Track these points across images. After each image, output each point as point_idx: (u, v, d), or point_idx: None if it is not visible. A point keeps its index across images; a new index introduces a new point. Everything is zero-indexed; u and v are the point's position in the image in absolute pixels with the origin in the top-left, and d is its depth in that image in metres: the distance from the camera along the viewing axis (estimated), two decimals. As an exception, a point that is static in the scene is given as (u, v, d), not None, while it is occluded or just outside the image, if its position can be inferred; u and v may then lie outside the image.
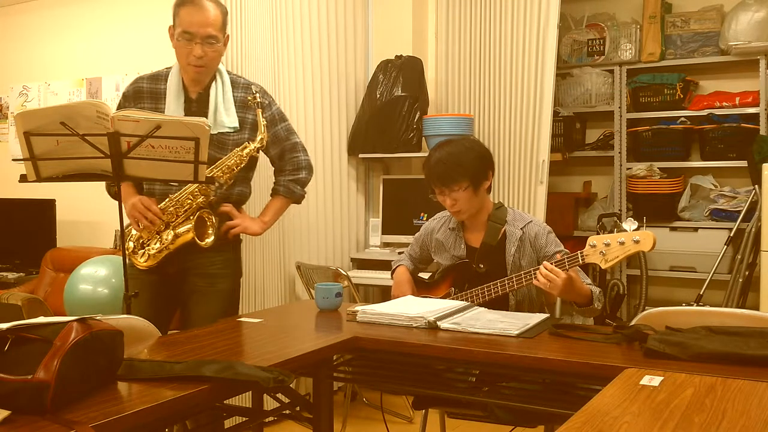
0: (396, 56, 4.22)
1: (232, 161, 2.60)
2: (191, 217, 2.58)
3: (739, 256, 4.13)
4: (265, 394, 2.25)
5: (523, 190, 4.07)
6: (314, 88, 4.03)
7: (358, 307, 2.30)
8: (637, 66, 4.58)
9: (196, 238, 2.56)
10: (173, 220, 2.59)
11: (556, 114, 4.50)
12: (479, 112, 4.23)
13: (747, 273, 4.04)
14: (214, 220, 2.61)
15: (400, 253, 2.98)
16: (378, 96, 4.16)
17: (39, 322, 1.46)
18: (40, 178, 2.26)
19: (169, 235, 2.58)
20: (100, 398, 1.46)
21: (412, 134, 4.13)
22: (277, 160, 2.83)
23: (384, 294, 4.05)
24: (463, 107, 4.31)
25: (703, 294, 4.14)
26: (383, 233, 4.24)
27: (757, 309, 3.57)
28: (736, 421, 1.30)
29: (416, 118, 4.12)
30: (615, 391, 1.48)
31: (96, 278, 3.66)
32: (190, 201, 2.58)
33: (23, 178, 2.25)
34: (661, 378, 1.55)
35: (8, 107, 5.57)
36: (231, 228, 2.68)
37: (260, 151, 2.73)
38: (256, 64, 3.51)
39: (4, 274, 4.98)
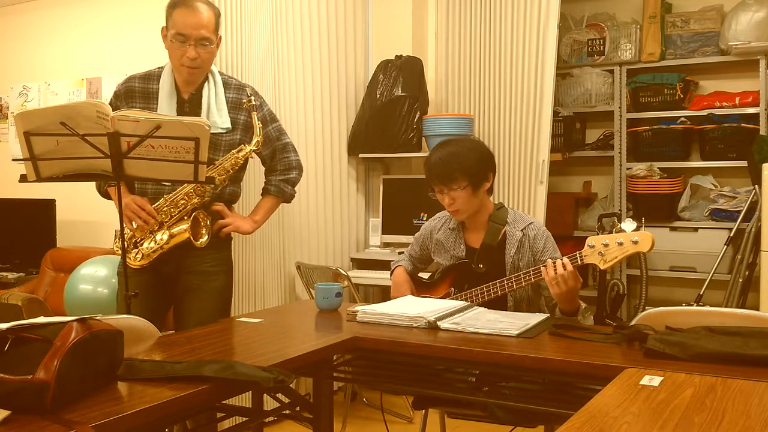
0: (396, 56, 4.22)
1: (229, 163, 2.63)
2: (186, 218, 2.60)
3: (739, 256, 4.13)
4: (265, 394, 2.25)
5: (523, 190, 4.07)
6: (314, 88, 4.03)
7: (358, 307, 2.30)
8: (637, 66, 4.57)
9: (191, 238, 2.59)
10: (167, 219, 2.61)
11: (556, 114, 4.49)
12: (479, 112, 4.23)
13: (747, 273, 4.04)
14: (208, 221, 2.64)
15: (400, 253, 2.98)
16: (378, 96, 4.16)
17: (39, 322, 1.46)
18: (40, 178, 2.26)
19: (164, 234, 2.60)
20: (100, 398, 1.46)
21: (412, 134, 4.13)
22: (268, 160, 2.85)
23: (384, 294, 4.05)
24: (463, 107, 4.31)
25: (703, 294, 4.14)
26: (383, 233, 4.24)
27: (757, 309, 3.57)
28: (736, 421, 1.30)
29: (416, 118, 4.12)
30: (615, 391, 1.48)
31: (96, 278, 3.66)
32: (184, 202, 2.61)
33: (23, 178, 2.26)
34: (661, 378, 1.55)
35: (8, 107, 5.57)
36: (223, 227, 2.70)
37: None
38: (256, 64, 3.51)
39: (4, 274, 4.98)
